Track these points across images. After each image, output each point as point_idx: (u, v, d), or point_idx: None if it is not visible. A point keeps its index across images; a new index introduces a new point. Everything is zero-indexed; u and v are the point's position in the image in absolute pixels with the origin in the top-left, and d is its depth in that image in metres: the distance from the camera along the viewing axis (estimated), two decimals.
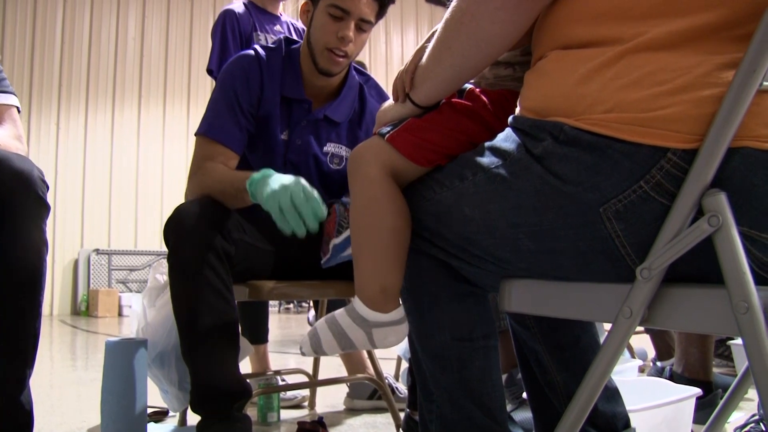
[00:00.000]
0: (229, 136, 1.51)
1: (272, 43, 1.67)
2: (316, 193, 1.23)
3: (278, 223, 1.21)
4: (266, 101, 1.59)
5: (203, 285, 1.31)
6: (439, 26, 0.87)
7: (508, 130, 0.82)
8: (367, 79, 1.74)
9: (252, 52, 1.61)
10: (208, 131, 1.51)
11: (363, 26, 1.53)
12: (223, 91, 1.55)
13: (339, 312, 0.93)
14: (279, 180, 1.25)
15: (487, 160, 0.82)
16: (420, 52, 0.92)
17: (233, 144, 1.51)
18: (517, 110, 0.83)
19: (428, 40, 0.91)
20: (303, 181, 1.25)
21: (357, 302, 0.91)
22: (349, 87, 1.67)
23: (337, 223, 1.26)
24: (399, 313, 0.92)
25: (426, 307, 0.93)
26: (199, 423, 1.36)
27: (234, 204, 1.40)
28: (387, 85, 0.99)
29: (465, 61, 0.85)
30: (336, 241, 1.26)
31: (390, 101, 0.99)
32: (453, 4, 0.83)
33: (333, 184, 1.68)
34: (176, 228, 1.35)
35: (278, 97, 1.60)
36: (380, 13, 1.55)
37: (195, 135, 1.55)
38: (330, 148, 1.67)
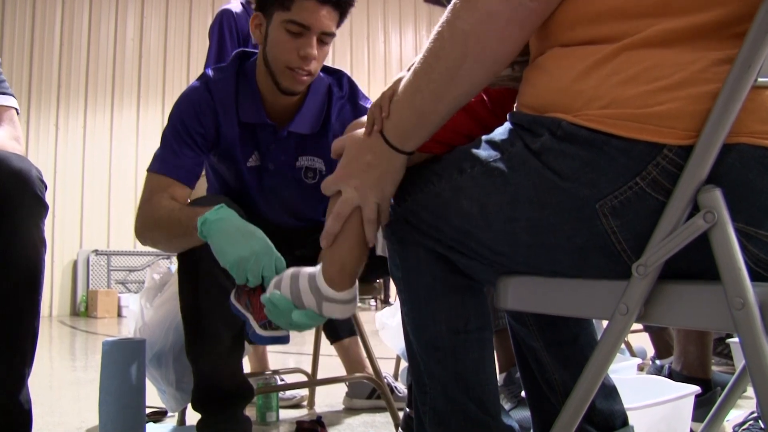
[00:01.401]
0: (177, 169, 1.41)
1: (225, 63, 1.56)
2: (283, 262, 1.16)
3: (234, 274, 1.14)
4: (224, 132, 1.49)
5: (212, 284, 1.30)
6: (421, 57, 0.81)
7: (506, 125, 0.82)
8: (340, 77, 1.60)
9: (199, 83, 1.50)
10: (158, 168, 1.42)
11: (325, 39, 1.41)
12: (171, 126, 1.46)
13: (303, 273, 0.95)
14: (245, 240, 1.15)
15: (485, 153, 0.82)
16: (399, 81, 0.86)
17: (182, 176, 1.41)
18: (516, 106, 0.83)
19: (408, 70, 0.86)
20: (273, 248, 1.17)
21: (318, 274, 0.94)
22: (313, 93, 1.54)
23: (268, 319, 1.11)
24: (350, 293, 0.94)
25: (422, 299, 0.92)
26: (199, 422, 1.36)
27: (182, 246, 1.32)
28: (384, 87, 0.93)
29: (473, 88, 0.81)
30: (258, 329, 1.13)
31: (360, 133, 0.90)
32: (443, 30, 0.78)
33: (312, 199, 1.60)
34: None
35: (236, 123, 1.50)
36: (341, 21, 1.44)
37: (146, 171, 1.45)
38: (303, 162, 1.57)
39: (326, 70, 1.59)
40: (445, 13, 0.79)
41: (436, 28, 0.79)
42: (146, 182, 1.43)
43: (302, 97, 1.52)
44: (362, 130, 0.89)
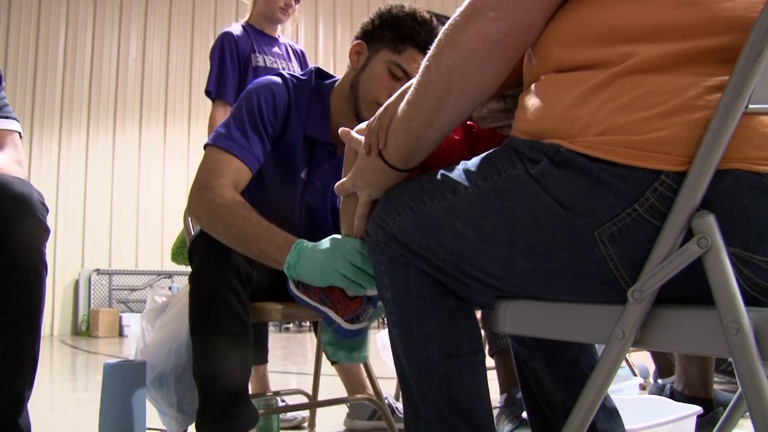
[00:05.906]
0: (245, 151, 1.40)
1: (302, 74, 1.60)
2: (358, 242, 1.17)
3: (333, 283, 1.15)
4: (290, 133, 1.52)
5: (223, 308, 1.29)
6: (413, 89, 0.87)
7: (504, 148, 0.83)
8: None
9: (280, 79, 1.53)
10: (225, 145, 1.39)
11: None
12: (248, 109, 1.46)
13: None
14: (316, 251, 1.16)
15: (482, 175, 0.82)
16: (393, 107, 0.92)
17: (248, 159, 1.40)
18: (511, 131, 0.84)
19: (400, 98, 0.91)
20: (340, 239, 1.18)
21: None
22: None
23: (355, 314, 1.17)
24: None
25: (414, 322, 0.91)
26: None
27: (242, 251, 1.29)
28: None
29: (459, 117, 0.87)
30: (344, 324, 1.17)
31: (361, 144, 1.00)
32: (430, 64, 0.83)
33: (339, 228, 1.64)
34: (203, 247, 1.34)
35: (302, 132, 1.53)
36: None
37: (207, 146, 1.41)
38: None
39: None
40: (431, 48, 0.84)
41: (424, 62, 0.85)
42: (208, 158, 1.40)
43: None
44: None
